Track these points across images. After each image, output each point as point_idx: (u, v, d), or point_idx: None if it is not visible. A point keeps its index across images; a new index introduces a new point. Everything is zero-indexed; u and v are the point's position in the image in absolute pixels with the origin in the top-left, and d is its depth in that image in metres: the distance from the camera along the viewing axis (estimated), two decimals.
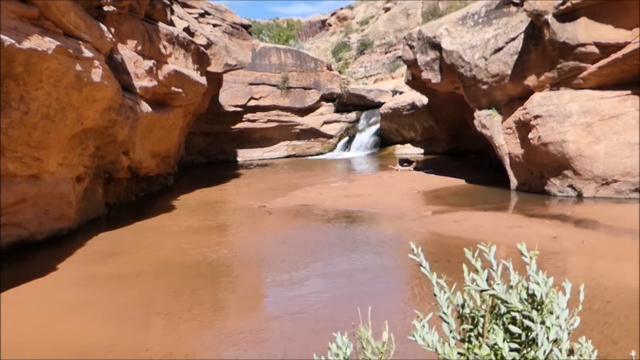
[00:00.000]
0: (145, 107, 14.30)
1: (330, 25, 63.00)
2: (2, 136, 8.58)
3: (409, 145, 31.15)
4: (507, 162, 14.71)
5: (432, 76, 16.96)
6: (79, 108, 10.43)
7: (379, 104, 32.52)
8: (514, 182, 14.69)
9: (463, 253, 1.63)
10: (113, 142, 12.89)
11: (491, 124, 14.91)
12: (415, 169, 21.12)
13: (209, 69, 20.97)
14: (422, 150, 29.93)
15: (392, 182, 17.69)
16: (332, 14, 64.20)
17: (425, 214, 11.94)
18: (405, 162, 22.34)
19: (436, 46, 16.37)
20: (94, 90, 10.47)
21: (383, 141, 32.28)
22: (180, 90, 16.26)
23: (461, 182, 16.87)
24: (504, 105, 14.78)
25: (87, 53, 9.92)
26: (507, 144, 14.62)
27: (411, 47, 17.71)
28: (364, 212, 12.76)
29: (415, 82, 20.19)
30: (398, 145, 31.50)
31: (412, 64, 18.02)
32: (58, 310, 6.60)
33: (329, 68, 34.62)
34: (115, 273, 8.21)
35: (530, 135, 13.38)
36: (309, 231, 11.00)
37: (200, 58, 18.34)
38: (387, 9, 53.31)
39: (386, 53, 48.26)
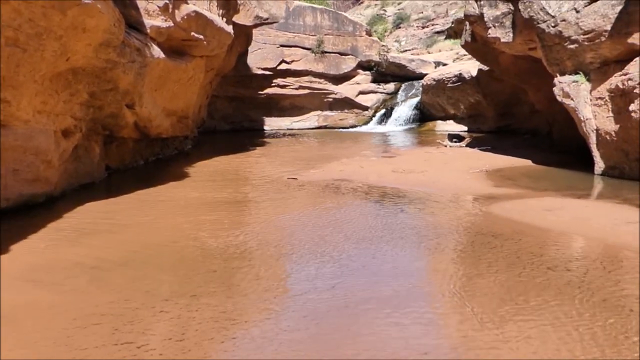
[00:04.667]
0: (157, 51, 11.81)
1: None
2: None
3: (451, 121, 28.39)
4: (593, 140, 11.93)
5: (502, 34, 14.13)
6: (62, 37, 7.94)
7: (420, 76, 29.69)
8: (600, 164, 11.92)
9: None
10: (113, 90, 10.42)
11: (577, 92, 12.11)
12: (467, 145, 18.41)
13: (237, 20, 18.39)
14: (465, 128, 27.11)
15: (444, 158, 15.02)
16: None
17: (500, 198, 9.31)
18: (454, 137, 19.67)
19: None
20: (82, 15, 7.96)
21: (423, 116, 29.51)
22: (201, 36, 13.71)
23: (527, 162, 14.16)
24: (594, 70, 11.95)
25: None
26: (595, 117, 11.83)
27: None
28: (421, 191, 10.16)
29: (474, 44, 17.36)
30: (439, 121, 28.75)
31: (475, 20, 15.18)
32: None
33: (369, 33, 31.74)
34: (89, 261, 5.79)
35: (631, 108, 10.59)
36: (353, 213, 8.46)
37: (227, 3, 15.76)
38: None
39: (423, 28, 45.33)
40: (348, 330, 4.13)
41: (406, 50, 41.01)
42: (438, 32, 41.97)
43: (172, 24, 12.28)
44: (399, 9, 50.45)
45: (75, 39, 8.28)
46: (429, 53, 36.01)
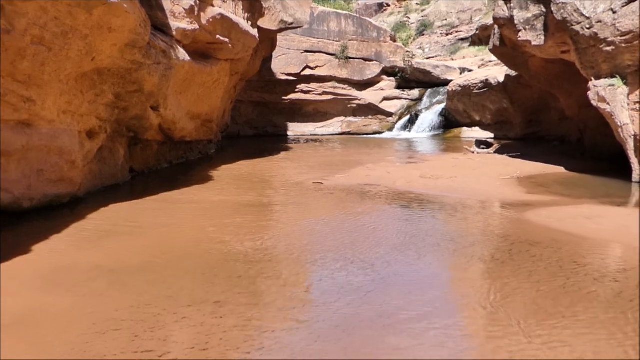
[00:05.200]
0: (183, 54, 11.68)
1: (388, 5, 59.71)
2: None
3: (477, 128, 27.88)
4: (630, 146, 11.48)
5: (533, 37, 13.73)
6: (88, 37, 7.82)
7: (445, 82, 29.31)
8: (638, 172, 11.47)
9: None
10: (138, 92, 10.30)
11: (613, 96, 11.67)
12: (495, 152, 17.99)
13: (262, 24, 18.24)
14: (491, 135, 26.55)
15: (472, 164, 14.64)
16: None
17: (534, 205, 8.94)
18: (482, 144, 19.25)
19: None
20: (109, 15, 7.84)
21: (448, 122, 29.06)
22: (226, 39, 13.57)
23: (559, 169, 13.72)
24: (632, 73, 11.51)
25: None
26: (633, 122, 11.38)
27: (507, 1, 14.48)
28: (451, 197, 9.83)
29: (503, 48, 16.94)
30: (465, 128, 28.27)
31: (505, 23, 14.79)
32: None
33: (393, 39, 31.47)
34: (109, 264, 5.58)
35: None
36: (382, 218, 8.18)
37: (252, 6, 15.61)
38: None
39: (447, 35, 44.90)
40: (382, 343, 3.85)
41: (430, 58, 40.63)
42: (462, 39, 41.54)
43: (198, 27, 12.15)
44: (422, 16, 50.06)
45: (101, 39, 8.16)
46: (453, 60, 35.62)
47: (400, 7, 56.50)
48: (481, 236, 6.98)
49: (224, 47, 13.77)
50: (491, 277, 5.29)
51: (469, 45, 38.71)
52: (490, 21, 32.49)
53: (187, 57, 11.93)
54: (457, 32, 44.06)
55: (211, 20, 12.64)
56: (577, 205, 8.98)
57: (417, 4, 55.06)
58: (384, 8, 59.60)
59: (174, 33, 11.31)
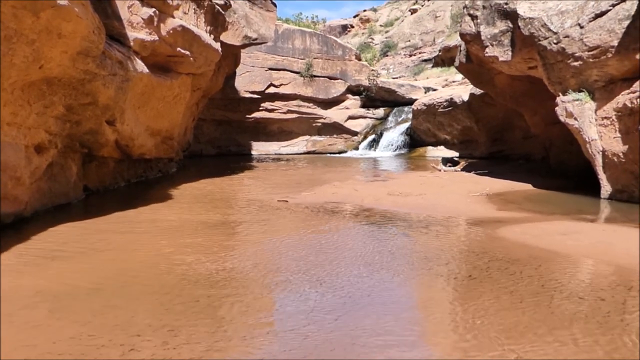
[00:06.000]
0: (141, 65, 11.15)
1: (352, 27, 60.20)
2: None
3: (442, 147, 27.89)
4: (599, 162, 11.37)
5: (500, 52, 13.63)
6: (35, 42, 7.24)
7: (410, 101, 29.34)
8: (606, 188, 11.35)
9: None
10: (92, 105, 9.71)
11: (581, 112, 11.58)
12: (462, 170, 17.84)
13: (226, 39, 17.83)
14: (457, 154, 26.55)
15: (441, 182, 14.39)
16: (355, 16, 61.43)
17: (507, 222, 8.65)
18: (449, 162, 19.11)
19: (508, 14, 13.05)
20: (58, 18, 7.28)
21: (413, 141, 29.01)
22: (187, 52, 13.08)
23: (527, 186, 13.58)
24: (599, 89, 11.45)
25: None
26: (601, 138, 11.29)
27: (473, 17, 14.40)
28: (421, 214, 9.48)
29: (470, 65, 16.87)
30: (430, 147, 28.24)
31: (472, 39, 14.69)
32: None
33: (358, 58, 31.40)
34: (53, 289, 5.00)
35: None
36: (352, 237, 7.76)
37: (215, 19, 15.17)
38: (413, 11, 50.75)
39: (411, 56, 45.46)
40: None
41: (395, 78, 40.86)
42: (425, 60, 42.01)
43: (157, 38, 11.65)
44: (386, 37, 50.61)
45: (49, 45, 7.59)
46: (417, 80, 35.83)
47: (364, 29, 56.97)
48: (456, 254, 6.61)
49: (185, 61, 13.27)
50: (471, 297, 4.90)
51: (432, 66, 39.12)
52: (453, 43, 32.89)
53: (146, 70, 11.40)
54: (420, 53, 44.55)
55: (171, 31, 12.15)
56: (550, 221, 8.73)
57: (380, 25, 55.64)
58: (348, 29, 60.02)
59: (132, 44, 10.79)
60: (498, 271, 5.74)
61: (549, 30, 11.82)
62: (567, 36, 11.48)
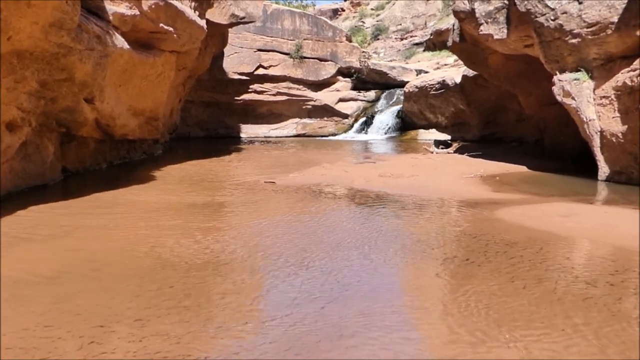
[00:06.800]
0: (121, 41, 10.62)
1: (343, 10, 59.48)
2: None
3: (433, 130, 27.43)
4: (596, 142, 11.01)
5: (495, 30, 13.19)
6: (2, 11, 6.73)
7: (402, 84, 28.79)
8: (604, 169, 11.00)
9: None
10: (68, 81, 9.20)
11: (578, 91, 11.20)
12: (455, 152, 17.47)
13: (212, 18, 17.25)
14: (448, 137, 26.12)
15: (433, 164, 14.01)
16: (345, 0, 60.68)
17: (504, 203, 8.29)
18: (441, 144, 18.75)
19: None
20: None
21: (405, 124, 28.52)
22: (170, 28, 12.54)
23: (522, 168, 13.23)
24: (597, 67, 11.06)
25: None
26: (599, 118, 10.92)
27: None
28: (414, 196, 9.10)
29: (463, 44, 16.42)
30: (421, 130, 27.78)
31: (466, 17, 14.24)
32: None
33: (349, 39, 30.78)
34: (14, 275, 4.57)
35: None
36: (340, 219, 7.36)
37: None
38: None
39: (402, 39, 44.83)
40: None
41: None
42: (417, 44, 41.42)
43: (138, 13, 11.12)
44: (377, 21, 49.94)
45: (17, 15, 7.07)
46: (408, 64, 35.32)
47: (355, 12, 56.24)
48: (451, 236, 6.24)
49: (169, 37, 12.74)
50: (469, 283, 4.52)
51: (424, 50, 38.56)
52: (444, 26, 32.31)
53: (127, 46, 10.87)
54: (411, 36, 43.94)
55: (153, 6, 11.60)
56: (549, 203, 8.38)
57: (371, 9, 54.94)
58: (339, 13, 59.27)
59: (111, 18, 10.24)
60: (497, 254, 5.37)
61: (547, 6, 11.39)
62: (565, 12, 11.06)
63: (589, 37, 10.77)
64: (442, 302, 4.14)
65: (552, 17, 11.30)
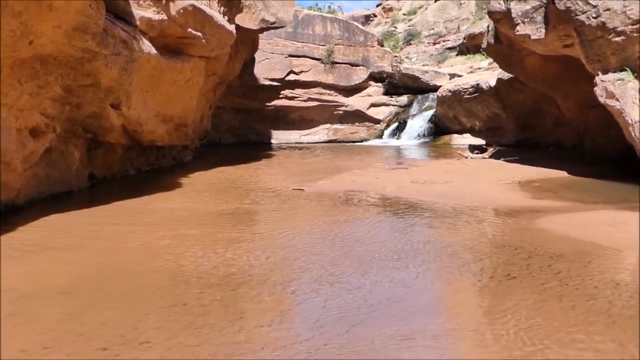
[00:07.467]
0: (148, 46, 10.47)
1: (375, 16, 59.15)
2: None
3: (467, 135, 26.79)
4: None
5: (532, 30, 12.65)
6: (22, 14, 6.57)
7: (434, 88, 28.27)
8: None
9: None
10: (94, 86, 9.04)
11: (623, 92, 10.59)
12: (490, 157, 16.92)
13: (242, 23, 17.06)
14: (483, 141, 25.48)
15: (469, 169, 13.51)
16: (378, 5, 60.29)
17: (545, 211, 7.79)
18: (476, 149, 18.21)
19: None
20: None
21: (438, 129, 27.96)
22: (199, 34, 12.36)
23: (562, 173, 12.63)
24: None
25: None
26: None
27: None
28: (448, 204, 8.65)
29: (498, 46, 15.90)
30: (455, 135, 27.18)
31: (501, 17, 13.72)
32: None
33: (380, 44, 30.39)
34: (23, 287, 4.33)
35: None
36: (371, 229, 6.98)
37: (229, 0, 14.43)
38: None
39: (435, 44, 44.20)
40: None
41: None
42: (449, 49, 40.77)
43: (166, 17, 10.97)
44: (409, 26, 49.42)
45: (39, 18, 6.91)
46: (441, 68, 34.76)
47: (387, 18, 55.84)
48: (490, 248, 5.81)
49: (197, 42, 12.56)
50: (512, 301, 4.10)
51: (457, 54, 37.91)
52: (477, 30, 31.69)
53: (154, 51, 10.72)
54: (444, 41, 43.30)
55: (182, 11, 11.44)
56: (594, 210, 7.85)
57: (404, 14, 54.45)
58: (371, 19, 58.97)
59: (138, 23, 10.11)
60: (541, 269, 4.92)
61: (588, 3, 10.82)
62: (607, 9, 10.48)
63: (635, 34, 10.17)
64: (483, 325, 3.73)
65: (594, 15, 10.73)
